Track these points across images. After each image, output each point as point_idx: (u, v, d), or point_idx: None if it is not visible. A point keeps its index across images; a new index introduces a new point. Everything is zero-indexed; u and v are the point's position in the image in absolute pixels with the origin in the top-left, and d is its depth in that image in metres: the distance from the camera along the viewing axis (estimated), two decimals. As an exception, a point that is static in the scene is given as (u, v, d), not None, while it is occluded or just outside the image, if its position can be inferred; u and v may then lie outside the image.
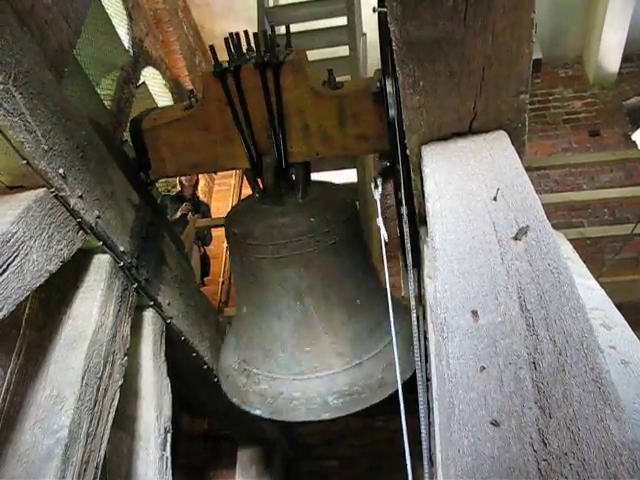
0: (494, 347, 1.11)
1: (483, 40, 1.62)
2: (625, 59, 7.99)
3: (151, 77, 7.79)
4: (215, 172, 3.49)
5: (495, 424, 0.98)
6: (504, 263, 1.30)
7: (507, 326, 1.15)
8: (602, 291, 1.87)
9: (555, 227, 1.76)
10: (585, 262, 2.09)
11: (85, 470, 2.10)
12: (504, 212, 1.46)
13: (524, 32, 1.62)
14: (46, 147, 2.09)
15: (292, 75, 2.72)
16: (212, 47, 2.76)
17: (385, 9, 1.65)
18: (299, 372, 2.93)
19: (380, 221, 2.28)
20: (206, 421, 5.89)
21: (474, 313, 1.20)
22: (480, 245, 1.38)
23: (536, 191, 1.55)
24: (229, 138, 2.85)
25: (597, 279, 1.96)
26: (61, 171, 2.16)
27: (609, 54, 7.91)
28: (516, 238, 1.36)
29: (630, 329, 1.68)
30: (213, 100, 2.82)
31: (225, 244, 6.95)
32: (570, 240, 2.32)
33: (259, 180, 2.95)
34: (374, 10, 2.28)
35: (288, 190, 2.94)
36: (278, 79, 2.71)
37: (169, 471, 2.70)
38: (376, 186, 2.46)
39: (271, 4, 6.50)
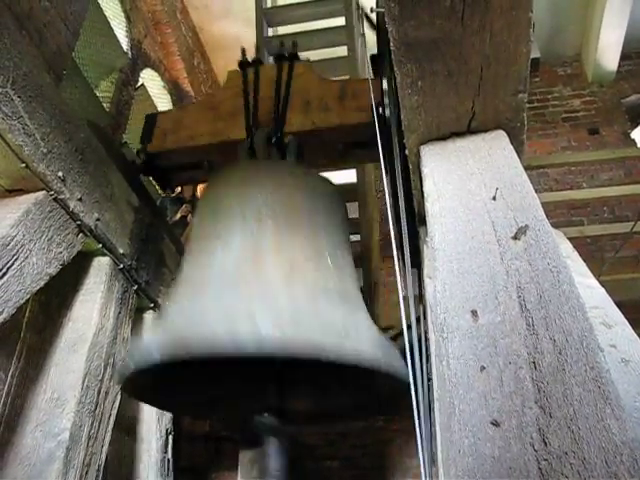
0: (494, 347, 1.11)
1: (481, 40, 1.62)
2: (624, 57, 7.98)
3: (150, 79, 7.79)
4: (211, 155, 3.47)
5: (495, 424, 0.98)
6: (503, 263, 1.30)
7: (507, 326, 1.15)
8: (602, 289, 1.87)
9: (555, 226, 1.76)
10: (585, 261, 2.09)
11: (87, 473, 2.10)
12: (503, 211, 1.46)
13: (522, 31, 1.62)
14: (45, 150, 2.09)
15: (303, 67, 3.19)
16: (243, 49, 3.22)
17: (383, 9, 1.65)
18: (231, 295, 2.11)
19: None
20: (207, 422, 5.89)
21: (474, 313, 1.20)
22: (479, 245, 1.38)
23: (535, 190, 1.55)
24: (234, 117, 3.11)
25: (597, 278, 1.96)
26: (60, 174, 2.16)
27: (607, 52, 7.89)
28: (515, 237, 1.36)
29: (630, 327, 1.68)
30: (230, 87, 3.25)
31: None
32: (570, 239, 2.32)
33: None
34: (371, 10, 2.29)
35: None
36: (292, 69, 3.08)
37: (170, 473, 2.70)
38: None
39: (269, 5, 6.49)
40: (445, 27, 1.59)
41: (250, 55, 3.29)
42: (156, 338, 2.06)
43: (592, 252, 6.11)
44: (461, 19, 1.57)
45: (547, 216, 1.44)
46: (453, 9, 1.55)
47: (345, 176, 5.61)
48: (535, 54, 6.45)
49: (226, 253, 2.26)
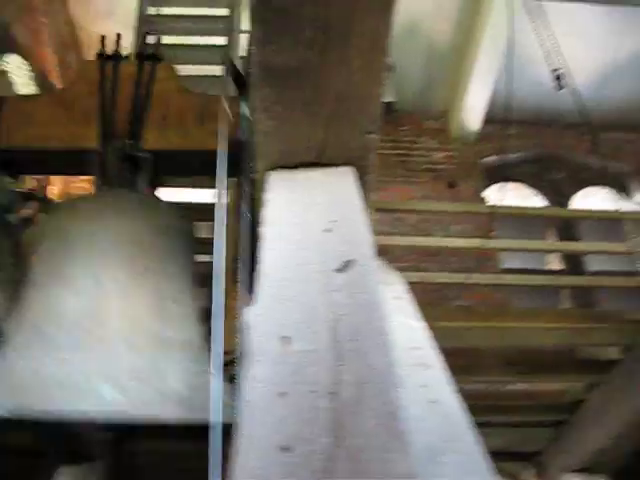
0: (299, 375, 1.12)
1: (338, 74, 1.66)
2: (487, 121, 8.49)
3: (17, 66, 7.39)
4: (64, 169, 3.32)
5: (286, 449, 0.98)
6: (324, 294, 1.32)
7: (316, 355, 1.16)
8: (426, 332, 1.93)
9: (403, 269, 1.80)
10: (427, 305, 2.16)
11: None
12: (334, 244, 1.49)
13: (377, 73, 1.68)
14: None
15: (166, 71, 2.97)
16: (103, 37, 2.95)
17: None
18: (71, 349, 2.23)
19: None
20: (23, 435, 5.53)
21: (286, 340, 1.20)
22: (305, 274, 1.39)
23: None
24: (88, 121, 2.86)
25: (432, 322, 2.02)
26: None
27: (472, 114, 8.39)
28: (340, 270, 1.39)
29: (446, 371, 1.74)
30: (85, 83, 2.94)
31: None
32: (414, 283, 2.38)
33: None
34: (242, 31, 2.31)
35: (132, 184, 2.83)
36: (154, 71, 2.91)
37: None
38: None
39: (153, 12, 6.36)
40: (306, 56, 1.62)
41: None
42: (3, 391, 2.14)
43: (436, 299, 6.37)
44: (321, 51, 1.60)
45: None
46: (315, 40, 1.58)
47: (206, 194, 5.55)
48: (390, 98, 6.70)
49: (75, 302, 2.33)
